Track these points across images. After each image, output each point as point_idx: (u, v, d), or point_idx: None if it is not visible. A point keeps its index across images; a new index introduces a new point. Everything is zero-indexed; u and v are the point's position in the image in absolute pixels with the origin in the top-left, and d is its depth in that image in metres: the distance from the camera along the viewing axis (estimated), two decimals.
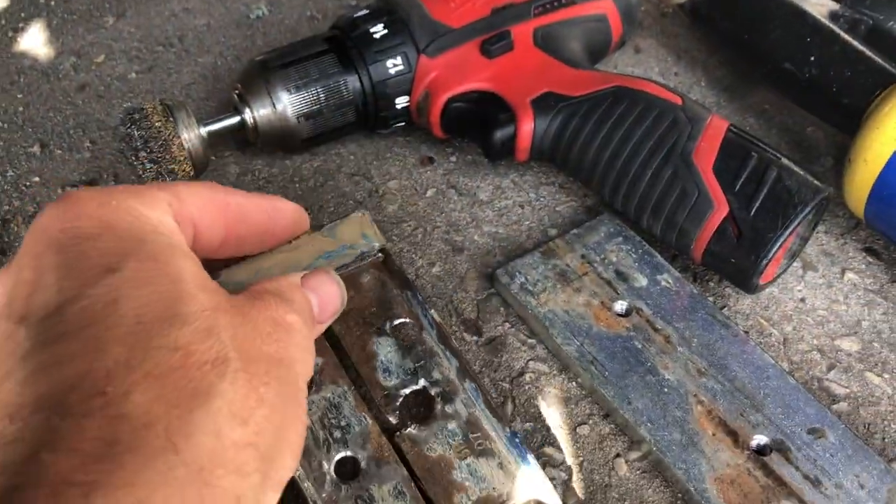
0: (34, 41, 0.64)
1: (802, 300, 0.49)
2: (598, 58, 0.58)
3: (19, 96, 0.60)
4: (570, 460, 0.43)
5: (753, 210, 0.45)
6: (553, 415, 0.44)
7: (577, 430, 0.44)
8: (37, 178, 0.55)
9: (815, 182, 0.46)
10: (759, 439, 0.42)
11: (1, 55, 0.63)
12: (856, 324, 0.48)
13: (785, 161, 0.46)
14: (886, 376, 0.46)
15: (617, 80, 0.51)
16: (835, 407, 0.45)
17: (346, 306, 0.42)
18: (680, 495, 0.41)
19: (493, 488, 0.40)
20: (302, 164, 0.56)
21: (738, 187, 0.46)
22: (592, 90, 0.51)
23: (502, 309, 0.49)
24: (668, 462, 0.41)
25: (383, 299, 0.45)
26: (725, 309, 0.49)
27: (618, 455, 0.43)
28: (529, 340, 0.47)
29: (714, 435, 0.42)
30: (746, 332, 0.47)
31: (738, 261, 0.46)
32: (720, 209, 0.46)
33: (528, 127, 0.51)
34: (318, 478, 0.40)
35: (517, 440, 0.41)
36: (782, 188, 0.45)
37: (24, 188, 0.54)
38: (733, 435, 0.42)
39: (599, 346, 0.46)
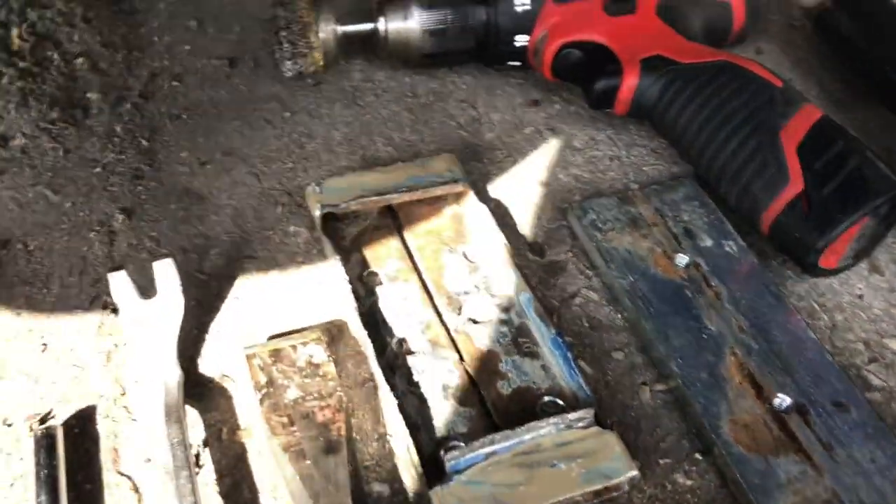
0: None
1: (860, 297, 0.50)
2: (715, 44, 0.61)
3: None
4: (598, 376, 0.45)
5: (827, 191, 0.47)
6: (593, 336, 0.47)
7: (612, 354, 0.47)
8: (188, 48, 0.62)
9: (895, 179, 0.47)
10: (783, 398, 0.44)
11: None
12: None
13: (869, 154, 0.48)
14: None
15: (726, 55, 0.54)
16: (867, 395, 0.46)
17: (427, 227, 0.49)
18: (694, 430, 0.44)
19: (533, 382, 0.45)
20: (419, 83, 0.61)
21: (817, 167, 0.48)
22: (701, 59, 0.54)
23: (569, 240, 0.52)
24: (690, 396, 0.44)
25: (459, 227, 0.51)
26: (781, 287, 0.50)
27: (644, 383, 0.45)
28: (587, 271, 0.50)
29: (740, 384, 0.44)
30: (797, 311, 0.49)
31: (802, 236, 0.48)
32: (795, 184, 0.48)
33: (632, 81, 0.54)
34: (380, 350, 0.45)
35: (560, 341, 0.45)
36: (859, 176, 0.47)
37: (175, 52, 0.61)
38: (758, 388, 0.44)
39: (651, 286, 0.48)
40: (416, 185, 0.51)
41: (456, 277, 0.49)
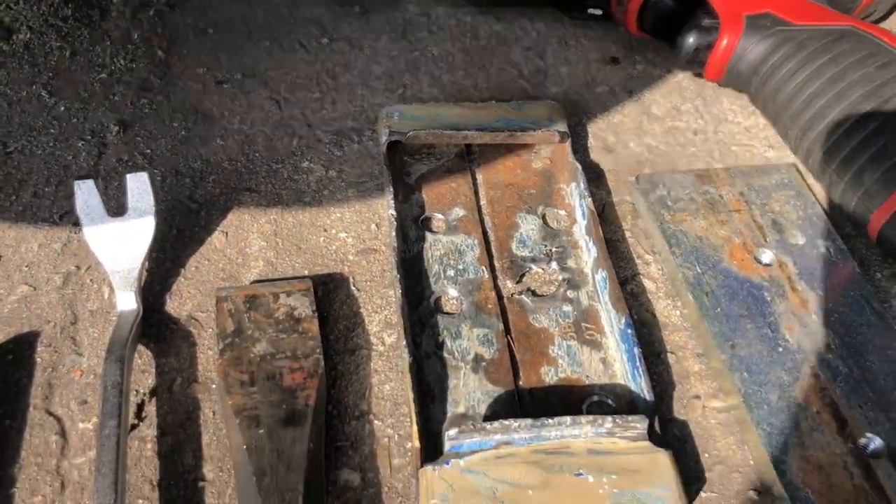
0: None
1: None
2: (845, 7, 0.51)
3: None
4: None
5: None
6: (642, 333, 0.38)
7: (662, 356, 0.38)
8: None
9: None
10: (872, 439, 0.34)
11: None
12: None
13: None
14: None
15: (852, 21, 0.44)
16: None
17: (509, 179, 0.43)
18: (752, 462, 0.35)
19: (586, 375, 0.37)
20: (482, 24, 0.53)
21: None
22: (820, 22, 0.44)
23: (630, 217, 0.43)
24: (752, 419, 0.35)
25: (545, 187, 0.44)
26: (886, 305, 0.40)
27: (697, 397, 0.36)
28: (646, 256, 0.42)
29: (818, 413, 0.35)
30: None
31: None
32: None
33: (731, 41, 0.45)
34: (415, 301, 0.38)
35: (630, 334, 0.36)
36: None
37: None
38: (842, 422, 0.35)
39: (722, 282, 0.39)
40: (504, 127, 0.43)
41: (526, 240, 0.41)
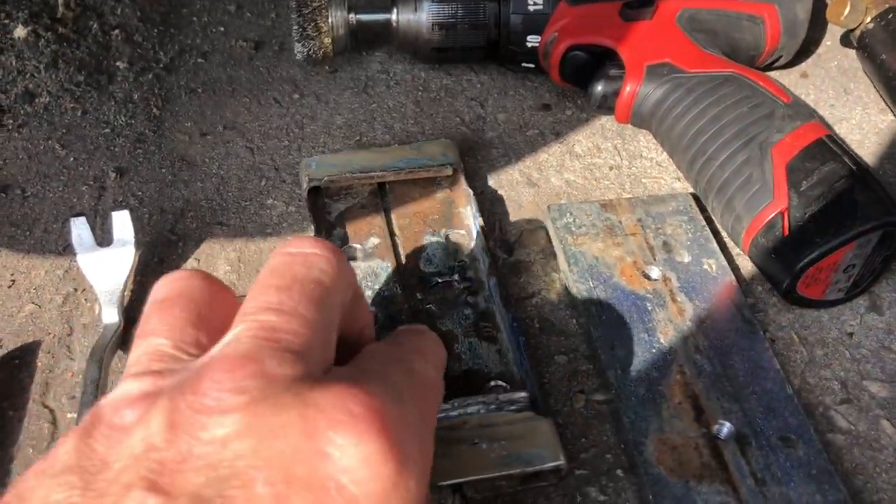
0: None
1: (850, 335, 0.46)
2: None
3: None
4: (535, 377, 0.43)
5: (810, 212, 0.43)
6: (540, 338, 0.45)
7: (556, 357, 0.44)
8: (222, 29, 0.64)
9: (893, 206, 0.43)
10: (724, 425, 0.40)
11: None
12: None
13: (867, 178, 0.44)
14: None
15: (736, 67, 0.51)
16: (829, 436, 0.41)
17: (415, 208, 0.50)
18: (622, 447, 0.41)
19: (486, 365, 0.43)
20: (434, 78, 0.60)
21: (804, 187, 0.44)
22: (708, 69, 0.51)
23: (543, 242, 0.50)
24: (621, 409, 0.41)
25: (447, 212, 0.51)
26: (762, 314, 0.46)
27: (582, 391, 0.43)
28: (553, 274, 0.48)
29: (679, 404, 0.41)
30: (773, 341, 0.45)
31: (779, 259, 0.44)
32: (777, 202, 0.44)
33: (633, 88, 0.52)
34: None
35: (517, 326, 0.44)
36: (849, 199, 0.43)
37: (208, 32, 0.64)
38: (699, 410, 0.41)
39: (610, 295, 0.46)
40: (406, 166, 0.51)
41: (432, 259, 0.48)
